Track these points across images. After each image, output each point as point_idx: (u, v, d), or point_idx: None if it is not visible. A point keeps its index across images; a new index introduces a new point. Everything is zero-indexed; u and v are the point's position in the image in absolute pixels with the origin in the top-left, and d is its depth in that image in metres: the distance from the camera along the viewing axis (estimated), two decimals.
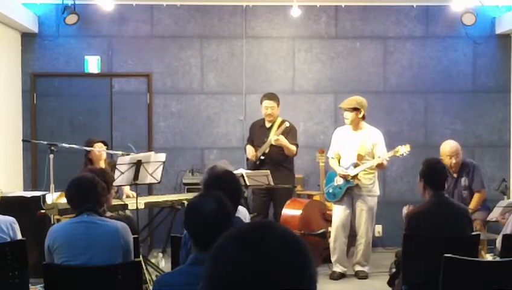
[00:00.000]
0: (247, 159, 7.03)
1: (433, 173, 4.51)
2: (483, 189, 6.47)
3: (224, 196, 2.78)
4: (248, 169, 6.84)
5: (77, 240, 3.56)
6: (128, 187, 6.35)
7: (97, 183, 3.71)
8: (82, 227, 3.60)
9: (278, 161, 6.78)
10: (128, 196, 6.38)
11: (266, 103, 6.85)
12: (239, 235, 1.27)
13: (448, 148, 6.37)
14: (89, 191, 3.66)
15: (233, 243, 1.25)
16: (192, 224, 2.67)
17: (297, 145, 6.85)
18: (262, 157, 6.83)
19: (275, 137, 6.67)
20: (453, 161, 6.30)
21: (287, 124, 6.78)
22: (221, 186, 3.35)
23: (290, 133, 6.80)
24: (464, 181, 6.39)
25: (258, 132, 6.99)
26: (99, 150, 6.32)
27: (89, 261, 3.53)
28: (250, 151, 6.91)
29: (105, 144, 6.50)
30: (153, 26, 7.94)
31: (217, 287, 1.22)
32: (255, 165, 6.85)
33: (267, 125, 6.92)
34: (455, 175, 6.38)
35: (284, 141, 6.68)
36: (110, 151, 6.46)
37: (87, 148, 6.22)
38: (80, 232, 3.58)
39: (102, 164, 6.31)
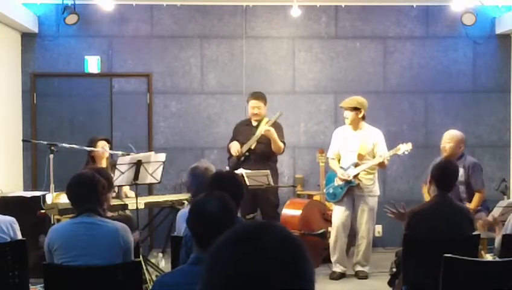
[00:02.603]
0: (229, 157, 6.93)
1: (446, 173, 4.54)
2: (483, 188, 6.42)
3: (228, 196, 2.78)
4: (229, 167, 6.71)
5: (77, 241, 3.56)
6: (127, 187, 6.35)
7: (97, 182, 3.69)
8: (82, 228, 3.59)
9: (263, 158, 6.68)
10: (127, 196, 6.38)
11: (253, 102, 6.79)
12: (237, 236, 1.27)
13: (448, 135, 6.29)
14: (89, 190, 3.65)
15: (231, 244, 1.25)
16: (195, 224, 2.67)
17: (284, 143, 6.76)
18: (247, 154, 6.75)
19: (266, 127, 6.56)
20: (450, 144, 6.24)
21: (280, 113, 6.71)
22: (224, 186, 3.35)
23: (277, 129, 6.71)
24: (460, 176, 6.27)
25: (243, 129, 6.88)
26: (103, 150, 6.32)
27: (89, 263, 3.52)
28: (235, 146, 6.76)
29: (108, 141, 6.51)
30: (153, 26, 7.94)
31: (216, 288, 1.22)
32: (238, 162, 6.73)
33: (254, 123, 6.85)
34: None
35: (274, 133, 6.60)
36: (111, 151, 6.46)
37: (90, 149, 6.22)
38: (79, 233, 3.57)
39: (104, 163, 6.31)
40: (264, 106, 6.79)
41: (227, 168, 5.84)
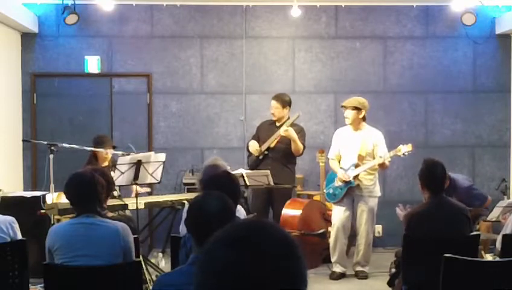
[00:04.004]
0: (249, 155, 6.98)
1: (432, 176, 4.48)
2: (488, 199, 6.29)
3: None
4: (249, 165, 6.82)
5: (77, 242, 3.55)
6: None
7: (97, 182, 3.67)
8: (82, 228, 3.58)
9: (281, 159, 6.74)
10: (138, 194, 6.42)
11: (271, 103, 6.88)
12: (230, 236, 1.26)
13: None
14: (89, 190, 3.63)
15: (224, 245, 1.24)
16: (194, 224, 2.67)
17: (304, 146, 6.82)
18: (266, 152, 6.80)
19: (284, 128, 6.61)
20: None
21: (299, 114, 6.77)
22: (220, 186, 3.34)
23: (300, 132, 6.75)
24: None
25: (266, 128, 6.95)
26: (106, 152, 6.33)
27: (89, 263, 3.52)
28: (254, 145, 6.85)
29: (114, 148, 6.49)
30: (153, 26, 7.94)
31: (209, 288, 1.22)
32: (257, 160, 6.81)
33: (277, 124, 6.90)
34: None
35: (293, 133, 6.63)
36: (112, 151, 6.45)
37: (90, 149, 6.22)
38: (80, 233, 3.56)
39: (106, 162, 6.31)
40: (282, 108, 6.81)
41: (228, 168, 5.85)
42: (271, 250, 1.22)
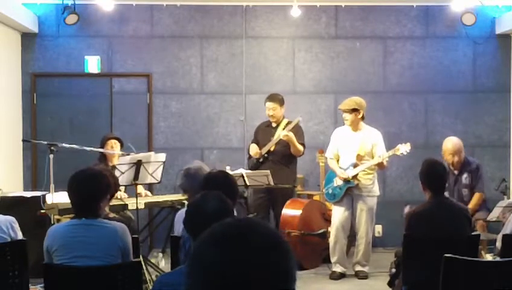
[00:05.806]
0: (249, 157, 6.99)
1: (433, 176, 4.49)
2: (483, 191, 6.46)
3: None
4: (249, 167, 6.83)
5: (76, 243, 3.54)
6: (141, 187, 6.39)
7: (99, 183, 3.65)
8: (81, 229, 3.57)
9: (281, 160, 6.76)
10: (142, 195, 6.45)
11: (267, 104, 6.86)
12: (217, 235, 1.25)
13: (450, 147, 6.34)
14: (90, 191, 3.62)
15: (212, 245, 1.24)
16: (193, 224, 2.67)
17: (304, 146, 6.80)
18: (266, 155, 6.81)
19: (284, 132, 6.61)
20: (455, 159, 6.29)
21: (300, 118, 6.78)
22: (218, 186, 3.34)
23: (297, 132, 6.76)
24: (465, 179, 6.36)
25: (263, 130, 6.96)
26: (113, 147, 6.38)
27: (88, 264, 3.51)
28: (254, 148, 6.87)
29: (119, 140, 6.54)
30: (153, 26, 7.94)
31: (199, 288, 1.22)
32: (257, 162, 6.82)
33: (274, 125, 6.90)
34: (456, 172, 6.37)
35: (293, 137, 6.64)
36: (110, 152, 6.46)
37: (90, 149, 6.23)
38: (78, 234, 3.56)
39: (115, 161, 6.33)
40: (279, 107, 6.83)
41: (228, 167, 5.88)
42: (257, 250, 1.22)
